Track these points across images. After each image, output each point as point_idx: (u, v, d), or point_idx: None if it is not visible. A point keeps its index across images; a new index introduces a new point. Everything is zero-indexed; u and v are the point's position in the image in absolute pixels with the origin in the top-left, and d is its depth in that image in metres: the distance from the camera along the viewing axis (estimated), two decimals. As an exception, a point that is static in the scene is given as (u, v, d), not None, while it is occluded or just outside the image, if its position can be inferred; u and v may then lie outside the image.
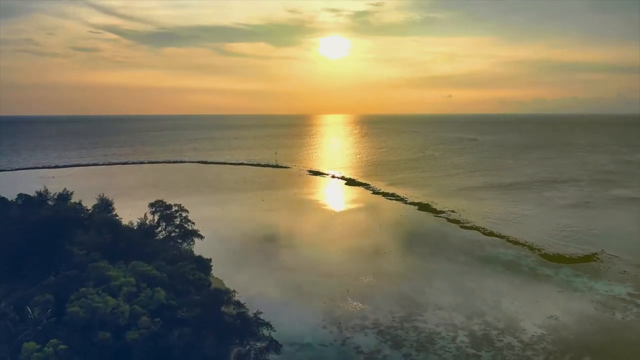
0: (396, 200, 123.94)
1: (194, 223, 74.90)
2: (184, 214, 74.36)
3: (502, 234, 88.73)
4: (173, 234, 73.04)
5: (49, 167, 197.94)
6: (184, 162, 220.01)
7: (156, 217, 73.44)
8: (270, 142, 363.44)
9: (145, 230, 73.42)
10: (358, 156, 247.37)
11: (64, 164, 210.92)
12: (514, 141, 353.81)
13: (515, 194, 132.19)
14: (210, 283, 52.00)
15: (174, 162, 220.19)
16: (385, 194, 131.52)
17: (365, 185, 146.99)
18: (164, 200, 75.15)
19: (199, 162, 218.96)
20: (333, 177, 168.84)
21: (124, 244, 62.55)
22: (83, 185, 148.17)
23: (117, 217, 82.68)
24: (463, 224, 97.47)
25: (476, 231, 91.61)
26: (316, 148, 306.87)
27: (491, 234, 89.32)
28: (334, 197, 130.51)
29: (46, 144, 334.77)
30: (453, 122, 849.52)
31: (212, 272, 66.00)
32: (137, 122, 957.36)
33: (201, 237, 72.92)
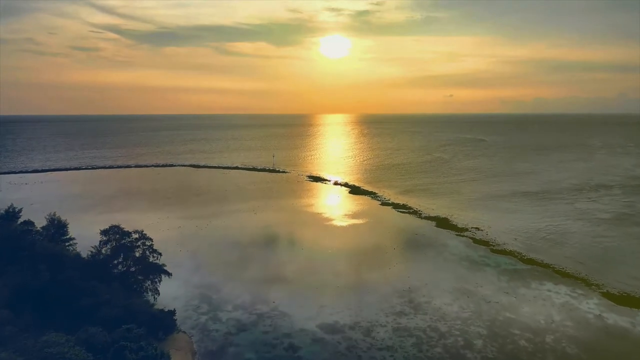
0: (409, 213, 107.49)
1: (160, 254, 58.52)
2: (147, 243, 58.01)
3: (544, 262, 72.28)
4: (133, 269, 56.76)
5: (27, 172, 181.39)
6: (175, 165, 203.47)
7: (110, 248, 57.12)
8: (268, 142, 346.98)
9: (98, 264, 57.27)
10: (361, 159, 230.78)
11: (43, 167, 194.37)
12: (524, 142, 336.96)
13: (545, 205, 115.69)
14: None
15: (163, 165, 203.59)
16: (395, 205, 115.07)
17: (372, 194, 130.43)
18: (121, 226, 58.70)
19: (190, 165, 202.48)
20: (335, 183, 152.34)
21: (56, 292, 46.42)
22: (54, 194, 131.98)
23: (70, 243, 66.86)
24: (493, 246, 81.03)
25: (512, 257, 75.18)
26: (316, 150, 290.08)
27: (531, 261, 72.81)
28: (337, 209, 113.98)
29: (34, 146, 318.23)
30: (455, 122, 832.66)
31: (178, 325, 49.91)
32: (136, 121, 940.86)
33: (169, 274, 56.52)
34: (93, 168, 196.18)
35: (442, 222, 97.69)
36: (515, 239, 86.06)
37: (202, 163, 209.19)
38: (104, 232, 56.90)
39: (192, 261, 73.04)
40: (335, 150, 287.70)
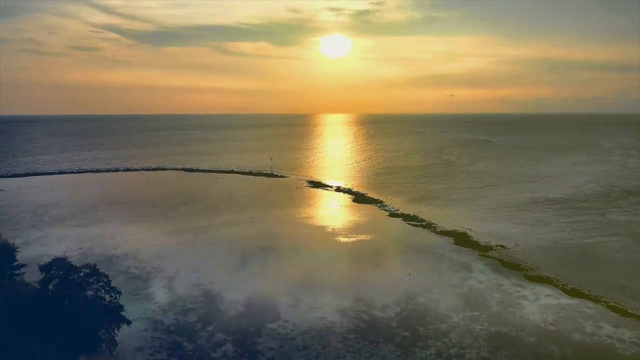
0: (422, 226, 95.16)
1: (119, 293, 46.21)
2: (103, 280, 45.74)
3: (592, 294, 59.94)
4: (82, 313, 44.50)
5: (6, 177, 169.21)
6: (166, 169, 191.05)
7: (54, 285, 44.88)
8: (267, 143, 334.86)
9: (39, 307, 45.02)
10: (364, 162, 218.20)
11: (26, 171, 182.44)
12: (530, 142, 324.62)
13: (572, 215, 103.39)
14: None
15: (154, 169, 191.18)
16: (405, 217, 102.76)
17: (379, 203, 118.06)
18: (68, 258, 46.39)
19: (182, 169, 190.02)
20: (338, 189, 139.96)
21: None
22: (28, 203, 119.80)
23: (18, 271, 55.00)
24: (526, 271, 68.67)
25: (551, 286, 62.79)
26: (316, 151, 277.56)
27: (577, 293, 60.40)
28: (341, 222, 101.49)
29: (26, 147, 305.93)
30: (457, 122, 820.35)
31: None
32: (136, 121, 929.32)
33: (128, 322, 44.21)
34: (79, 172, 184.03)
35: (461, 239, 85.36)
36: (549, 260, 73.85)
37: (194, 166, 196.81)
38: (44, 268, 44.53)
39: (167, 292, 60.79)
40: (337, 152, 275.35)
